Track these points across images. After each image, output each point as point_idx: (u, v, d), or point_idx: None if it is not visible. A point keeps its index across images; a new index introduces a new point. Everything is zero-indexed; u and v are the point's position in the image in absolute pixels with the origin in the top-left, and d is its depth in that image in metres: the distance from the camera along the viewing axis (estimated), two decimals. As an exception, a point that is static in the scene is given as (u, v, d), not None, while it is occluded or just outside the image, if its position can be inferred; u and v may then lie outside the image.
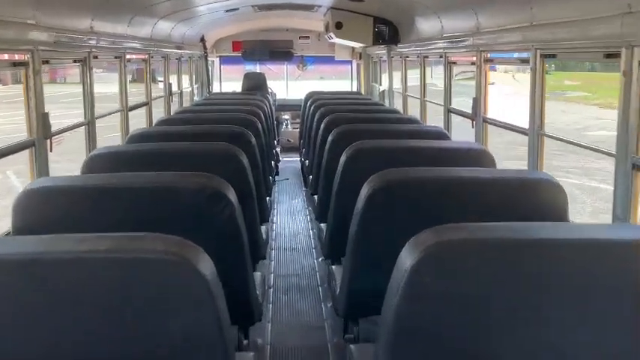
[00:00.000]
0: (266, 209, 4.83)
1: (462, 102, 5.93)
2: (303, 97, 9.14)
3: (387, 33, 8.29)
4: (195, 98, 10.24)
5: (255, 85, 10.99)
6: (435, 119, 7.14)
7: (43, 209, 2.64)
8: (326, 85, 15.12)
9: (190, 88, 10.05)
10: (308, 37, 12.02)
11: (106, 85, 6.37)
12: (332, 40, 9.73)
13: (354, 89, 12.44)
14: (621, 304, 1.73)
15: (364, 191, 2.74)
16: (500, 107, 5.64)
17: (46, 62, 3.92)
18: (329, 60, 12.66)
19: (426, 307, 1.76)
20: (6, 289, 1.73)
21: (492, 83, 5.33)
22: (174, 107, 8.19)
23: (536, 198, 2.76)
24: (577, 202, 11.14)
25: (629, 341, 1.75)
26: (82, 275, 1.72)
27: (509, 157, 10.26)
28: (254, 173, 3.77)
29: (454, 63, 5.90)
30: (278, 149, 9.25)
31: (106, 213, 2.63)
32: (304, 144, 7.74)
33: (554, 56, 3.69)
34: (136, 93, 7.07)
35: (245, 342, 2.91)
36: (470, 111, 5.20)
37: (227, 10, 8.51)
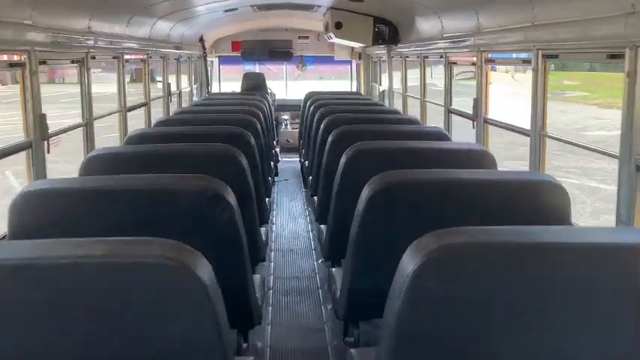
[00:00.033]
0: (265, 211, 4.81)
1: (462, 102, 5.92)
2: (302, 97, 9.13)
3: (387, 33, 8.27)
4: (195, 98, 10.23)
5: (255, 85, 10.97)
6: (434, 119, 7.13)
7: (39, 212, 2.62)
8: (325, 85, 15.12)
9: (189, 89, 10.02)
10: (307, 37, 11.99)
11: (105, 85, 6.34)
12: (331, 40, 9.71)
13: (354, 89, 12.42)
14: (625, 309, 1.72)
15: (365, 193, 2.72)
16: (500, 107, 5.62)
17: (43, 63, 3.89)
18: (328, 60, 12.64)
19: (428, 312, 1.75)
20: (1, 295, 1.70)
21: (490, 83, 5.30)
22: (173, 107, 8.16)
23: (539, 200, 2.74)
24: (577, 202, 11.14)
25: (632, 345, 1.73)
26: (78, 281, 1.70)
27: (509, 157, 10.25)
28: (253, 174, 3.75)
29: (454, 63, 5.88)
30: (277, 150, 9.24)
31: (104, 216, 2.61)
32: (304, 144, 7.72)
33: (556, 56, 3.66)
34: (135, 93, 7.04)
35: (244, 345, 2.90)
36: (469, 111, 5.18)
37: (226, 10, 8.49)
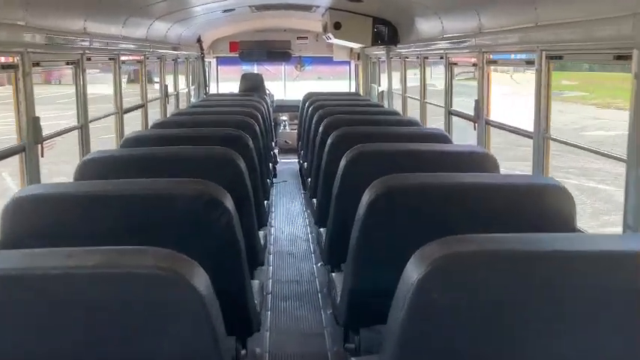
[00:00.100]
0: (264, 214, 4.77)
1: (461, 102, 5.88)
2: (301, 97, 9.10)
3: (387, 33, 8.24)
4: (192, 100, 10.19)
5: (253, 86, 10.95)
6: (433, 119, 7.09)
7: (32, 218, 2.57)
8: (324, 85, 15.10)
9: (187, 90, 9.98)
10: (306, 38, 11.96)
11: (104, 86, 6.27)
12: (330, 41, 9.67)
13: (353, 90, 12.40)
14: (635, 317, 1.69)
15: (366, 197, 2.68)
16: (500, 107, 5.58)
17: (37, 64, 3.84)
18: (327, 60, 12.61)
19: (433, 322, 1.72)
20: None
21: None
22: (171, 109, 8.12)
23: (543, 204, 2.70)
24: (577, 202, 11.07)
25: None
26: (69, 292, 1.65)
27: (508, 157, 10.22)
28: (251, 177, 3.72)
29: (455, 64, 5.84)
30: (276, 151, 9.22)
31: (99, 222, 2.56)
32: (302, 146, 7.70)
33: (560, 57, 3.61)
34: (133, 94, 6.99)
35: (243, 352, 2.85)
36: (468, 111, 5.14)
37: (224, 11, 8.45)
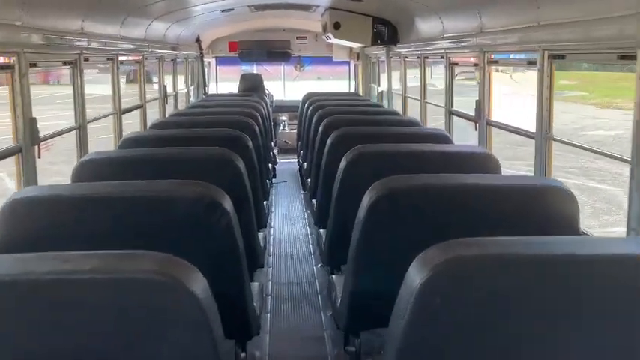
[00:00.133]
0: (263, 215, 4.75)
1: (460, 102, 5.85)
2: (300, 97, 9.08)
3: (386, 33, 8.21)
4: (191, 100, 10.16)
5: (252, 86, 10.93)
6: (433, 119, 7.06)
7: (29, 220, 2.54)
8: (323, 85, 15.07)
9: (186, 90, 9.95)
10: (305, 38, 11.94)
11: (103, 87, 6.24)
12: (330, 41, 9.64)
13: (352, 90, 12.38)
14: None
15: (366, 199, 2.66)
16: (499, 107, 5.55)
17: (34, 65, 3.80)
18: (326, 60, 12.58)
19: (436, 327, 1.70)
20: None
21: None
22: (170, 109, 8.09)
23: (546, 206, 2.68)
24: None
25: None
26: (65, 298, 1.62)
27: (508, 157, 10.21)
28: (251, 178, 3.70)
29: (456, 64, 5.81)
30: (275, 151, 9.20)
31: (97, 224, 2.53)
32: (302, 146, 7.68)
33: (562, 57, 3.58)
34: (132, 94, 6.96)
35: (242, 355, 2.81)
36: (467, 111, 5.11)
37: (223, 11, 8.42)
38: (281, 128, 12.36)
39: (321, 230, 4.34)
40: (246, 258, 2.74)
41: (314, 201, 5.15)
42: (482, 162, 3.56)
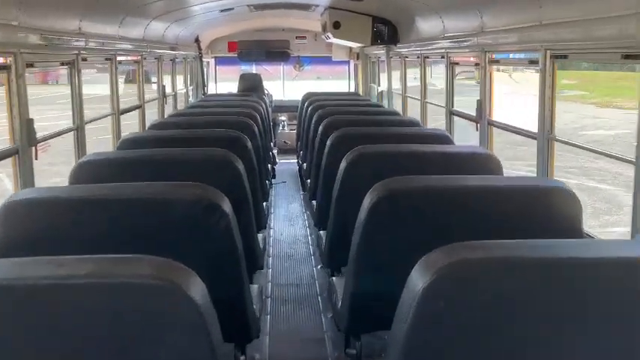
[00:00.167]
0: (263, 216, 4.73)
1: (460, 101, 5.82)
2: (299, 97, 9.07)
3: (386, 33, 8.18)
4: (190, 100, 10.13)
5: (251, 86, 10.91)
6: (431, 119, 7.03)
7: (26, 223, 2.52)
8: (323, 85, 15.04)
9: (185, 90, 9.93)
10: (305, 37, 11.92)
11: (103, 87, 6.21)
12: (329, 41, 9.62)
13: (352, 90, 12.36)
14: None
15: (367, 200, 2.63)
16: (499, 107, 5.53)
17: (31, 65, 3.77)
18: (326, 60, 12.56)
19: (439, 332, 1.68)
20: None
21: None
22: (169, 110, 8.06)
23: (550, 207, 2.66)
24: (577, 202, 11.06)
25: None
26: (62, 303, 1.60)
27: (508, 157, 10.19)
28: (250, 179, 3.69)
29: (456, 63, 5.78)
30: (275, 151, 9.18)
31: (94, 227, 2.51)
32: (302, 146, 7.66)
33: (565, 57, 3.55)
34: (132, 94, 6.93)
35: (242, 358, 2.79)
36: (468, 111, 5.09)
37: (222, 10, 8.39)
38: (280, 128, 12.34)
39: (321, 231, 4.32)
40: (245, 260, 2.72)
41: (314, 202, 5.13)
42: (484, 162, 3.54)
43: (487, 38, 4.63)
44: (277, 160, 9.25)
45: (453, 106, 5.90)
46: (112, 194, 2.57)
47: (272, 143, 9.09)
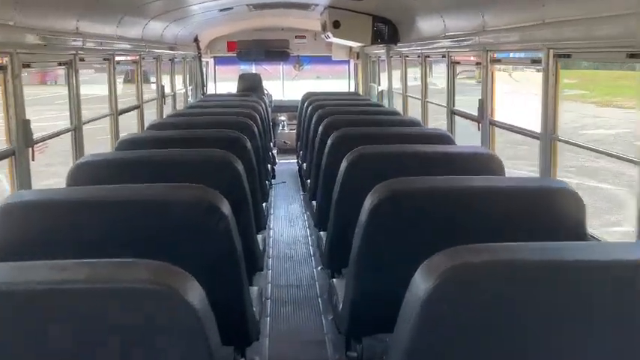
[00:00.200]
0: (263, 217, 4.70)
1: (460, 101, 5.79)
2: (299, 97, 9.05)
3: (387, 32, 8.16)
4: (190, 100, 10.11)
5: (251, 86, 10.89)
6: (432, 118, 7.00)
7: (22, 225, 2.49)
8: (323, 84, 15.03)
9: (184, 90, 9.90)
10: (304, 37, 11.90)
11: (100, 87, 6.18)
12: (329, 40, 9.59)
13: (352, 89, 12.34)
14: None
15: (368, 202, 2.60)
16: (499, 107, 5.51)
17: (27, 66, 3.74)
18: (326, 60, 12.54)
19: (442, 336, 1.66)
20: None
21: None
22: (168, 110, 8.03)
23: (553, 208, 2.63)
24: (578, 202, 11.04)
25: None
26: (57, 308, 1.58)
27: (509, 156, 10.16)
28: (250, 179, 3.66)
29: (457, 63, 5.75)
30: (274, 151, 9.16)
31: (92, 229, 2.48)
32: (301, 146, 7.64)
33: (568, 56, 3.51)
34: (131, 94, 6.90)
35: None
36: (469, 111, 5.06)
37: (221, 10, 8.36)
38: (280, 128, 12.32)
39: (322, 232, 4.29)
40: (245, 262, 2.69)
41: (314, 202, 5.10)
42: (486, 162, 3.52)
43: (489, 37, 4.60)
44: (277, 160, 9.23)
45: (454, 106, 5.87)
46: (111, 196, 2.55)
47: (272, 143, 9.07)
